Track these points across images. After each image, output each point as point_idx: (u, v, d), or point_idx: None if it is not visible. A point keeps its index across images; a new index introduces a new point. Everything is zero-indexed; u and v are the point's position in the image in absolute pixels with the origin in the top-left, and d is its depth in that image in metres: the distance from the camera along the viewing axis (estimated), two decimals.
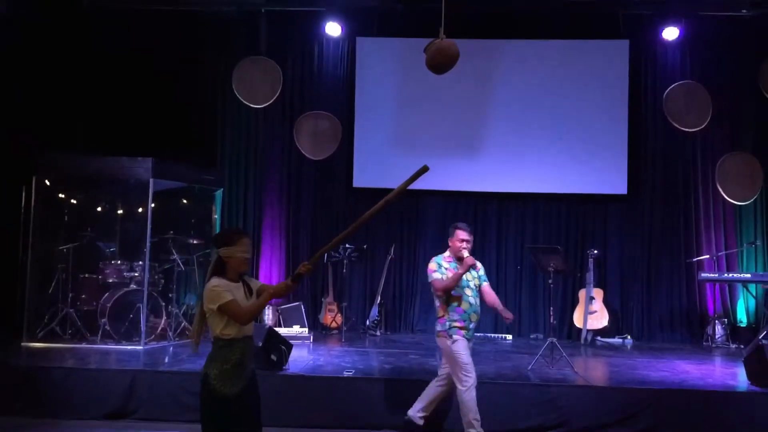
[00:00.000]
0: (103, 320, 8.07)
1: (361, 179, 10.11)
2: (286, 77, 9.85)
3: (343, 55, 10.29)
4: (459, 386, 5.33)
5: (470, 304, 5.43)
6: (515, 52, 10.01)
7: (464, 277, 5.42)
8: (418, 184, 10.11)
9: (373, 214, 3.88)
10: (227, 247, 3.71)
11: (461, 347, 5.34)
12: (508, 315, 5.49)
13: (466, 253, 5.40)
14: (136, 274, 8.42)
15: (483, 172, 9.88)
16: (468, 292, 5.44)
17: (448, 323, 5.38)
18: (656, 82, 9.89)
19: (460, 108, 10.00)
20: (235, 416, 3.60)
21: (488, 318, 9.93)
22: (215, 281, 3.65)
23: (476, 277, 5.54)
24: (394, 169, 9.92)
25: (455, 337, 5.33)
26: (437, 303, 5.51)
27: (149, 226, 8.24)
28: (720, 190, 9.33)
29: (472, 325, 5.44)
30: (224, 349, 3.63)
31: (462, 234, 5.47)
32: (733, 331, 9.39)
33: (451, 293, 5.39)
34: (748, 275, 9.04)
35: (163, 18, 9.41)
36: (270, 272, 10.11)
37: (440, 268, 5.48)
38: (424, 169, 3.89)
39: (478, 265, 5.60)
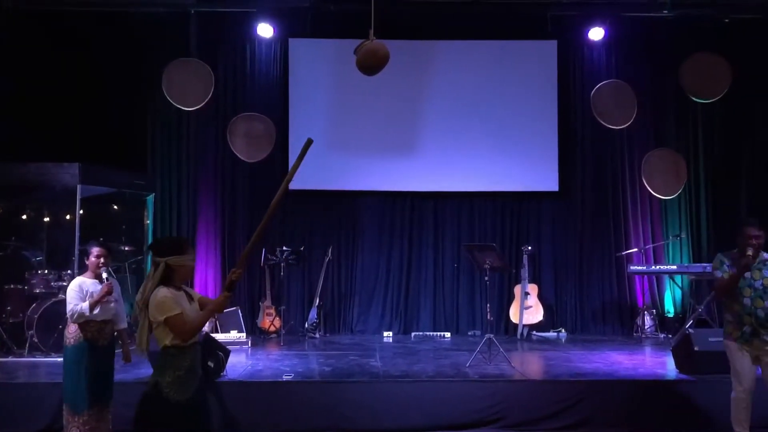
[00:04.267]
0: (30, 332, 7.77)
1: (296, 181, 9.75)
2: (218, 79, 9.69)
3: (275, 56, 10.20)
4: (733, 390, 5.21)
5: (744, 306, 5.04)
6: (447, 53, 10.11)
7: (750, 275, 5.05)
8: (355, 185, 10.04)
9: (279, 200, 3.89)
10: (177, 255, 3.67)
11: (733, 353, 5.12)
12: None
13: (749, 251, 4.98)
14: (65, 284, 8.13)
15: (419, 171, 9.94)
16: (747, 291, 5.05)
17: (726, 325, 5.19)
18: (584, 81, 10.15)
19: (395, 108, 10.04)
20: (190, 420, 3.59)
21: (427, 316, 10.04)
22: (164, 291, 3.59)
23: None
24: (330, 170, 9.94)
25: (727, 342, 5.16)
26: None
27: (77, 234, 7.99)
28: (646, 185, 9.64)
29: (746, 329, 5.03)
30: (175, 358, 3.59)
31: (751, 230, 5.03)
32: (662, 321, 9.74)
33: (732, 293, 5.10)
34: (674, 267, 9.37)
35: (90, 18, 9.14)
36: (206, 277, 9.93)
37: (722, 265, 5.18)
38: (309, 142, 3.94)
39: None
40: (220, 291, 3.57)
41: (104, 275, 5.20)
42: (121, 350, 5.48)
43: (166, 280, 3.65)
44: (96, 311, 5.08)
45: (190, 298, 3.76)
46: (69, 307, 5.08)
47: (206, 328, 9.17)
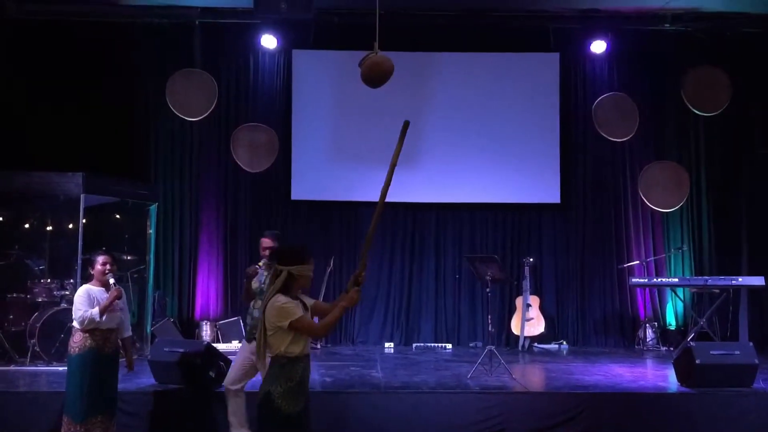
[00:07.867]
0: (32, 341, 7.76)
1: (299, 191, 10.07)
2: (222, 89, 9.74)
3: (279, 67, 10.24)
4: None
5: None
6: (451, 65, 10.15)
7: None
8: (356, 196, 10.00)
9: (384, 196, 4.07)
10: (301, 265, 3.72)
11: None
12: None
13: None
14: (67, 293, 8.14)
15: (421, 182, 9.95)
16: None
17: None
18: (585, 94, 10.18)
19: (397, 119, 9.81)
20: None
21: (428, 327, 10.03)
22: (283, 298, 3.63)
23: None
24: (332, 180, 9.97)
25: None
26: None
27: (80, 243, 7.99)
28: (643, 198, 9.64)
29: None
30: (287, 367, 3.61)
31: (263, 241, 5.66)
32: (663, 334, 9.72)
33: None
34: (676, 279, 9.36)
35: (94, 29, 9.20)
36: (207, 286, 9.95)
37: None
38: (406, 125, 4.14)
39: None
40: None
41: (111, 281, 5.23)
42: (124, 359, 5.49)
43: (285, 289, 3.68)
44: (104, 318, 5.10)
45: (305, 306, 3.78)
46: (78, 313, 5.08)
47: (208, 337, 9.19)
